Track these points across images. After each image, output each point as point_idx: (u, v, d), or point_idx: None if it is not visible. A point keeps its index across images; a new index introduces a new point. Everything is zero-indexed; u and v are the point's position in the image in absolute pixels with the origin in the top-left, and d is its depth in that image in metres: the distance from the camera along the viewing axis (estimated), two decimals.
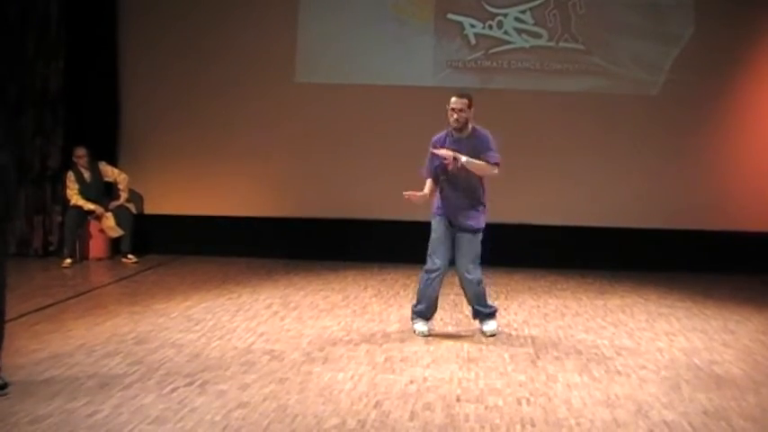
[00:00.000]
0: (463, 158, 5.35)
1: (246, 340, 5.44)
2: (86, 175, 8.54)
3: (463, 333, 5.78)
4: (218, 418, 3.95)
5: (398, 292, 7.22)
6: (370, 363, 4.95)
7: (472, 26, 8.80)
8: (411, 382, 4.59)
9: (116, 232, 8.56)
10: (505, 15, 8.77)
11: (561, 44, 8.74)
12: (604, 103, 8.74)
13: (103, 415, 3.95)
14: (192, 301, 6.63)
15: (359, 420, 3.96)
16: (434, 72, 8.83)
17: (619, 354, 5.30)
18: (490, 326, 5.70)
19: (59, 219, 8.76)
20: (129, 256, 8.55)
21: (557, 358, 5.16)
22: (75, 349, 5.10)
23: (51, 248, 8.81)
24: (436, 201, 5.64)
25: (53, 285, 7.25)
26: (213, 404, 4.14)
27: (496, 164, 5.46)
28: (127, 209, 8.70)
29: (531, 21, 8.76)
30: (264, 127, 8.96)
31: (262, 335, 5.59)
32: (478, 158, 5.42)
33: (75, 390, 4.30)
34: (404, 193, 5.54)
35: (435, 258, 5.56)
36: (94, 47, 8.86)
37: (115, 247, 8.72)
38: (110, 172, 8.71)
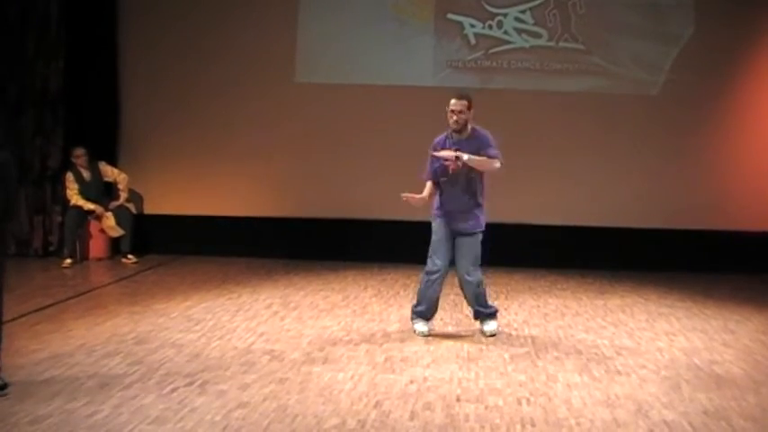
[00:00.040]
0: (465, 156, 5.36)
1: (246, 340, 5.44)
2: (86, 174, 8.54)
3: (463, 333, 5.78)
4: (218, 418, 3.95)
5: (398, 292, 7.22)
6: (371, 363, 4.95)
7: (472, 26, 8.80)
8: (411, 381, 4.59)
9: (116, 232, 8.56)
10: (505, 15, 8.77)
11: (561, 44, 8.74)
12: (604, 103, 8.74)
13: (103, 415, 3.95)
14: (192, 301, 6.63)
15: (359, 420, 3.96)
16: (434, 72, 8.83)
17: (619, 353, 5.30)
18: (490, 326, 5.71)
19: (59, 219, 8.76)
20: (129, 256, 8.55)
21: (557, 358, 5.16)
22: (76, 349, 5.10)
23: (51, 248, 8.81)
24: (436, 202, 5.64)
25: (53, 285, 7.25)
26: (213, 404, 4.14)
27: (497, 158, 5.45)
28: (127, 209, 8.70)
29: (530, 21, 8.76)
30: (264, 127, 8.95)
31: (262, 335, 5.59)
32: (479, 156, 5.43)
33: (75, 390, 4.31)
34: (402, 195, 5.54)
35: (436, 260, 5.57)
36: (94, 47, 8.86)
37: (115, 247, 8.72)
38: (109, 172, 8.71)
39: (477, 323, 5.79)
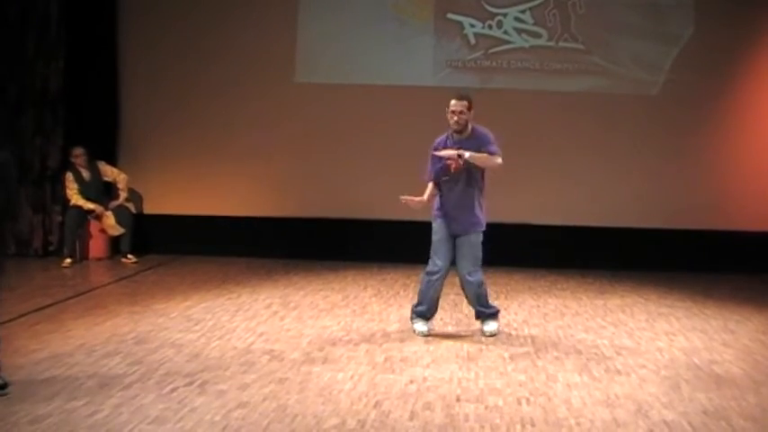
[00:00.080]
0: (466, 154, 5.36)
1: (246, 340, 5.44)
2: (85, 174, 8.54)
3: (463, 333, 5.78)
4: (217, 417, 3.95)
5: (398, 292, 7.22)
6: (370, 363, 4.95)
7: (472, 26, 8.80)
8: (411, 381, 4.59)
9: (117, 231, 8.56)
10: (505, 15, 8.77)
11: (561, 44, 8.74)
12: (604, 102, 8.74)
13: (103, 415, 3.95)
14: (191, 301, 6.63)
15: (359, 420, 3.96)
16: (434, 72, 8.83)
17: (619, 353, 5.30)
18: (491, 326, 5.70)
19: (59, 219, 8.76)
20: (129, 256, 8.55)
21: (556, 358, 5.16)
22: (75, 349, 5.10)
23: (51, 248, 8.81)
24: (437, 203, 5.63)
25: (53, 285, 7.25)
26: (213, 404, 4.14)
27: (498, 155, 5.45)
28: (126, 208, 8.70)
29: (530, 20, 8.76)
30: (264, 127, 8.95)
31: (261, 335, 5.59)
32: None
33: (75, 390, 4.31)
34: (401, 197, 5.53)
35: (437, 260, 5.56)
36: (94, 47, 8.86)
37: (115, 247, 8.72)
38: (109, 171, 8.71)
39: (478, 323, 5.78)
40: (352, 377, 4.65)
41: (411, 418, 4.01)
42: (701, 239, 8.65)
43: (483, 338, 5.60)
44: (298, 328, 5.80)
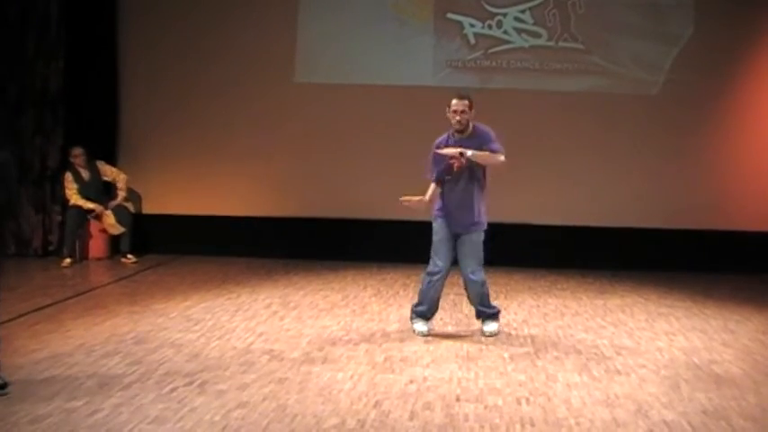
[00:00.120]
0: (469, 152, 5.36)
1: (246, 340, 5.44)
2: (84, 174, 8.54)
3: (463, 333, 5.78)
4: (217, 417, 3.95)
5: (398, 292, 7.22)
6: (370, 362, 4.95)
7: (472, 26, 8.80)
8: (411, 381, 4.59)
9: (117, 229, 8.56)
10: (505, 15, 8.77)
11: (561, 44, 8.74)
12: (604, 102, 8.74)
13: (103, 415, 3.95)
14: (191, 301, 6.63)
15: (358, 420, 3.96)
16: (434, 72, 8.83)
17: (618, 353, 5.30)
18: (491, 327, 5.70)
19: (59, 218, 8.76)
20: (129, 255, 8.55)
21: (556, 358, 5.15)
22: (75, 349, 5.10)
23: (51, 248, 8.81)
24: (438, 202, 5.63)
25: (52, 285, 7.25)
26: (212, 404, 4.14)
27: (501, 152, 5.45)
28: (125, 208, 8.70)
29: (530, 20, 8.76)
30: (264, 127, 8.95)
31: (261, 335, 5.59)
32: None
33: (75, 389, 4.31)
34: (401, 198, 5.52)
35: (437, 260, 5.56)
36: (94, 47, 8.86)
37: (115, 246, 8.72)
38: (108, 171, 8.72)
39: (478, 323, 5.78)
40: (351, 377, 4.65)
41: (411, 418, 4.00)
42: (701, 239, 8.65)
43: (483, 338, 5.60)
44: (297, 328, 5.80)
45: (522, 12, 8.76)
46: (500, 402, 4.27)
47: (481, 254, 5.57)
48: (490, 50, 8.80)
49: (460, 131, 5.48)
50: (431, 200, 5.60)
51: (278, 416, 3.99)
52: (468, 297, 5.73)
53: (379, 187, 8.55)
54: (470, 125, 5.50)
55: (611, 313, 6.56)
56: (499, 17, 8.78)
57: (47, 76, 8.68)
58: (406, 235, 8.31)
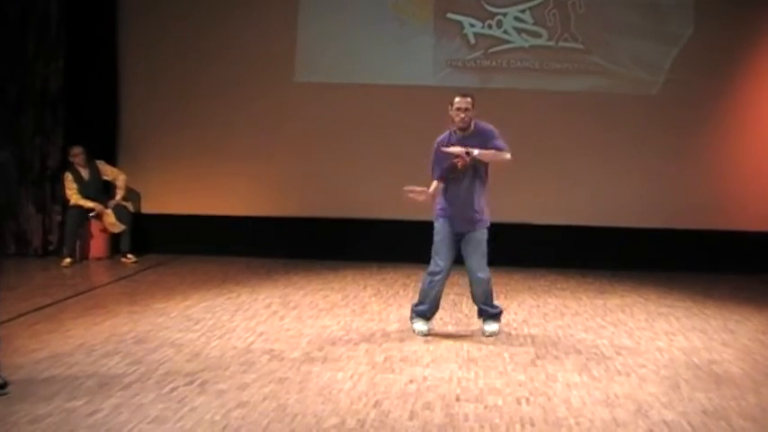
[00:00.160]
0: (475, 151, 5.36)
1: (246, 340, 5.44)
2: (84, 173, 8.55)
3: (463, 333, 5.78)
4: (217, 417, 3.95)
5: (398, 292, 7.22)
6: (370, 362, 4.95)
7: (472, 25, 8.80)
8: (410, 381, 4.59)
9: (118, 228, 8.56)
10: (505, 15, 8.77)
11: (561, 44, 8.74)
12: (604, 102, 8.74)
13: (103, 414, 3.95)
14: (191, 301, 6.63)
15: (358, 420, 3.96)
16: (434, 71, 8.83)
17: (618, 353, 5.30)
18: (492, 327, 5.70)
19: (59, 218, 8.77)
20: (129, 255, 8.55)
21: (556, 358, 5.16)
22: (75, 349, 5.10)
23: (51, 248, 8.81)
24: (440, 202, 5.62)
25: (52, 285, 7.25)
26: (213, 404, 4.14)
27: (506, 150, 5.46)
28: (124, 206, 8.70)
29: (530, 20, 8.76)
30: (264, 127, 8.96)
31: (261, 334, 5.59)
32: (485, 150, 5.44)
33: (75, 389, 4.31)
34: (404, 188, 5.50)
35: (439, 260, 5.55)
36: (94, 47, 8.86)
37: (115, 246, 8.72)
38: (109, 171, 8.73)
39: (480, 322, 5.78)
40: (351, 377, 4.65)
41: (411, 418, 4.01)
42: (701, 239, 8.65)
43: (483, 338, 5.60)
44: (297, 328, 5.80)
45: (522, 11, 8.76)
46: (500, 402, 4.27)
47: (486, 251, 5.56)
48: (490, 50, 8.80)
49: (463, 129, 5.48)
50: (433, 194, 5.58)
51: (278, 415, 3.99)
52: (473, 295, 5.70)
53: (379, 187, 8.56)
54: (472, 123, 5.50)
55: (611, 313, 6.56)
56: (499, 17, 8.78)
57: (47, 76, 8.68)
58: (406, 235, 8.32)
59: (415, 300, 5.81)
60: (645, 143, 8.72)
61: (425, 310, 5.69)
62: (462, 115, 5.43)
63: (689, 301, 7.11)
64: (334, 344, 5.39)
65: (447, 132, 5.58)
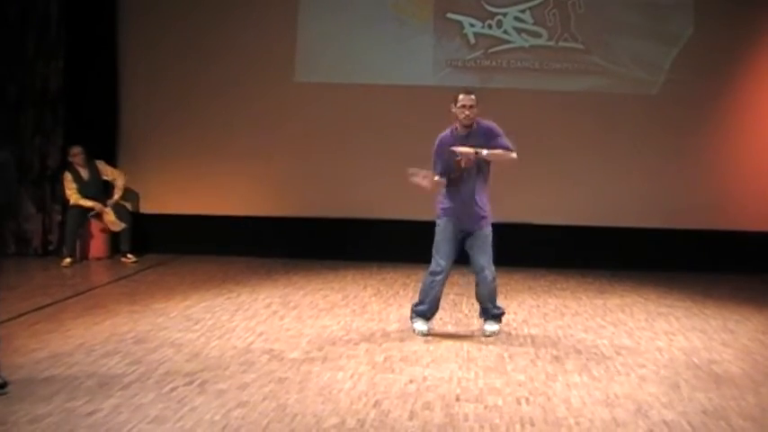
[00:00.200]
0: (484, 152, 5.36)
1: (246, 340, 5.44)
2: (84, 173, 8.55)
3: (463, 332, 5.78)
4: (217, 417, 3.95)
5: (398, 292, 7.21)
6: (370, 362, 4.95)
7: (471, 25, 8.80)
8: (410, 381, 4.59)
9: (118, 226, 8.56)
10: (505, 15, 8.77)
11: (561, 44, 8.74)
12: (604, 102, 8.74)
13: (103, 414, 3.95)
14: (191, 301, 6.63)
15: (358, 420, 3.96)
16: (434, 71, 8.83)
17: (618, 353, 5.30)
18: (493, 327, 5.69)
19: (59, 218, 8.77)
20: (129, 255, 8.55)
21: (556, 358, 5.15)
22: (75, 348, 5.10)
23: (51, 248, 8.82)
24: (443, 201, 5.61)
25: (52, 285, 7.25)
26: (212, 403, 4.14)
27: (512, 148, 5.47)
28: (123, 205, 8.71)
29: (530, 20, 8.76)
30: (264, 126, 8.95)
31: (261, 334, 5.59)
32: (489, 149, 5.43)
33: (75, 389, 4.31)
34: (409, 169, 5.44)
35: (440, 260, 5.54)
36: (94, 47, 8.86)
37: (115, 246, 8.72)
38: (109, 171, 8.73)
39: (479, 322, 5.78)
40: (351, 376, 4.65)
41: (410, 418, 4.01)
42: (701, 239, 8.65)
43: (483, 338, 5.60)
44: (297, 328, 5.80)
45: (522, 11, 8.76)
46: (500, 402, 4.27)
47: (491, 249, 5.55)
48: (490, 50, 8.80)
49: (467, 126, 5.47)
50: (437, 184, 5.51)
51: (278, 415, 3.99)
52: (478, 294, 5.68)
53: (379, 187, 8.56)
54: (474, 120, 5.50)
55: (611, 313, 6.56)
56: (499, 17, 8.78)
57: (47, 76, 8.68)
58: (405, 235, 8.32)
59: (416, 299, 5.81)
60: (645, 143, 8.71)
61: (425, 309, 5.69)
62: (467, 112, 5.42)
63: (689, 301, 7.11)
64: (334, 344, 5.39)
65: (449, 129, 5.57)
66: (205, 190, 9.00)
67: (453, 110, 5.47)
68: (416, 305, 5.74)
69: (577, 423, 3.98)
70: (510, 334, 5.76)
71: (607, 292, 7.44)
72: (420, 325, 5.68)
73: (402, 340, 5.49)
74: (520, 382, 4.61)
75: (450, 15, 8.82)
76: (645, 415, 4.11)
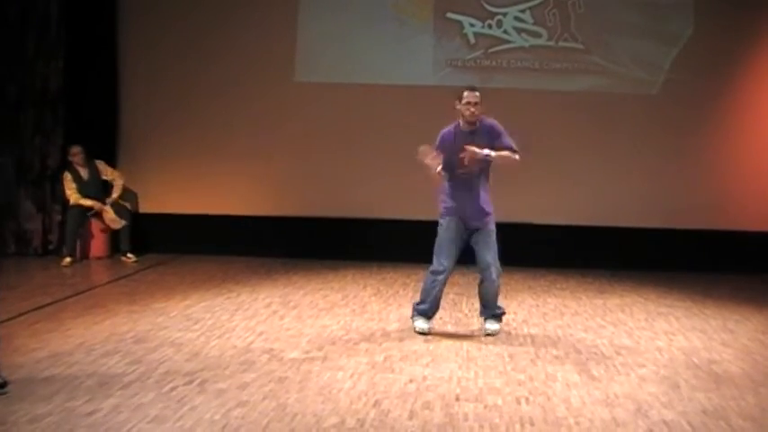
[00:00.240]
0: (493, 154, 5.38)
1: (246, 339, 5.44)
2: (83, 173, 8.56)
3: (462, 332, 5.78)
4: (217, 416, 3.95)
5: (398, 291, 7.21)
6: (370, 362, 4.95)
7: (471, 25, 8.80)
8: (410, 381, 4.59)
9: (118, 223, 8.57)
10: (505, 14, 8.78)
11: (561, 43, 8.74)
12: (604, 102, 8.74)
13: (103, 414, 3.95)
14: (191, 300, 6.63)
15: (358, 419, 3.96)
16: (434, 71, 8.83)
17: (618, 353, 5.30)
18: (494, 326, 5.70)
19: (59, 218, 8.78)
20: (129, 254, 8.55)
21: (556, 357, 5.16)
22: (75, 348, 5.10)
23: (51, 247, 8.82)
24: (445, 200, 5.61)
25: (52, 284, 7.25)
26: (212, 403, 4.14)
27: (516, 149, 5.50)
28: (122, 204, 8.71)
29: (530, 20, 8.76)
30: (264, 126, 8.96)
31: (261, 334, 5.59)
32: (493, 148, 5.44)
33: (75, 388, 4.31)
34: (421, 146, 5.40)
35: (443, 260, 5.54)
36: (94, 47, 8.86)
37: (115, 246, 8.72)
38: (108, 172, 8.73)
39: (478, 322, 5.77)
40: (351, 376, 4.65)
41: (410, 418, 4.01)
42: (701, 239, 8.65)
43: (482, 338, 5.60)
44: (297, 328, 5.80)
45: (522, 11, 8.76)
46: (500, 402, 4.27)
47: (496, 246, 5.55)
48: (490, 50, 8.81)
49: (471, 123, 5.47)
50: (440, 171, 5.46)
51: (278, 415, 3.99)
52: (483, 293, 5.67)
53: (379, 187, 8.57)
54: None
55: (611, 313, 6.56)
56: (499, 17, 8.78)
57: (47, 76, 8.68)
58: (405, 235, 8.32)
59: (417, 299, 5.82)
60: (645, 143, 8.72)
61: (427, 308, 5.70)
62: (473, 109, 5.42)
63: (689, 300, 7.11)
64: (333, 343, 5.39)
65: (452, 126, 5.56)
66: (205, 190, 9.00)
67: (458, 107, 5.48)
68: (418, 304, 5.75)
69: (577, 423, 3.98)
70: (510, 334, 5.76)
71: (607, 292, 7.44)
72: (421, 323, 5.68)
73: (402, 340, 5.49)
74: (520, 382, 4.61)
75: (450, 15, 8.82)
76: (645, 415, 4.11)
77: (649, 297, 7.24)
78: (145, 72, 9.00)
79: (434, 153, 5.42)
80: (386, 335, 5.64)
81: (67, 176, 8.51)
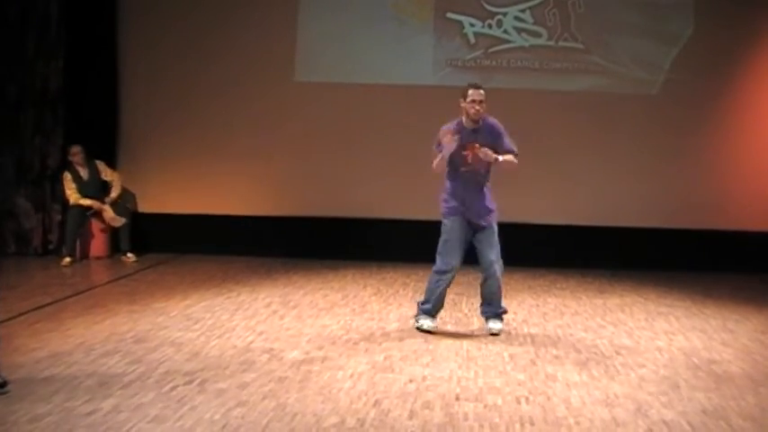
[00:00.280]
0: (500, 158, 5.41)
1: (246, 339, 5.44)
2: (83, 173, 8.56)
3: (462, 332, 5.78)
4: (217, 416, 3.95)
5: (398, 291, 7.21)
6: (370, 361, 4.95)
7: (472, 25, 8.80)
8: (410, 380, 4.59)
9: (118, 221, 8.57)
10: (505, 14, 8.78)
11: (561, 43, 8.75)
12: (604, 102, 8.74)
13: (102, 413, 3.95)
14: (191, 300, 6.63)
15: (358, 419, 3.96)
16: (434, 71, 8.83)
17: (618, 353, 5.30)
18: (497, 325, 5.70)
19: (59, 218, 8.78)
20: (129, 254, 8.55)
21: (556, 357, 5.16)
22: (74, 348, 5.10)
23: (51, 247, 8.82)
24: (448, 200, 5.61)
25: (52, 284, 7.25)
26: (212, 403, 4.14)
27: (516, 152, 5.57)
28: (122, 203, 8.71)
29: (530, 20, 8.76)
30: (264, 126, 8.96)
31: (261, 333, 5.59)
32: (494, 148, 5.48)
33: (75, 388, 4.31)
34: (443, 126, 5.41)
35: (449, 259, 5.55)
36: (94, 47, 8.86)
37: (115, 245, 8.73)
38: (108, 172, 8.73)
39: (483, 319, 5.77)
40: (351, 376, 4.65)
41: (410, 417, 4.01)
42: (701, 239, 8.65)
43: (482, 337, 5.59)
44: (297, 327, 5.80)
45: (522, 11, 8.76)
46: (499, 401, 4.27)
47: (498, 243, 5.57)
48: (490, 50, 8.81)
49: (475, 121, 5.48)
50: (444, 158, 5.47)
51: (278, 415, 3.99)
52: (485, 290, 5.66)
53: (379, 186, 8.57)
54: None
55: (611, 313, 6.56)
56: (499, 16, 8.78)
57: (47, 76, 8.68)
58: (405, 234, 8.33)
59: (419, 298, 5.84)
60: (645, 143, 8.72)
61: (431, 308, 5.72)
62: (477, 107, 5.44)
63: (689, 300, 7.11)
64: (333, 343, 5.39)
65: (454, 123, 5.55)
66: (205, 190, 9.00)
67: (463, 104, 5.49)
68: (422, 303, 5.77)
69: (577, 423, 3.98)
70: (510, 333, 5.76)
71: (607, 292, 7.44)
72: (428, 322, 5.70)
73: (402, 339, 5.49)
74: (519, 382, 4.61)
75: (450, 15, 8.82)
76: (644, 415, 4.11)
77: (649, 297, 7.24)
78: (145, 72, 9.00)
79: (451, 137, 5.39)
80: (386, 335, 5.64)
81: (67, 176, 8.51)
